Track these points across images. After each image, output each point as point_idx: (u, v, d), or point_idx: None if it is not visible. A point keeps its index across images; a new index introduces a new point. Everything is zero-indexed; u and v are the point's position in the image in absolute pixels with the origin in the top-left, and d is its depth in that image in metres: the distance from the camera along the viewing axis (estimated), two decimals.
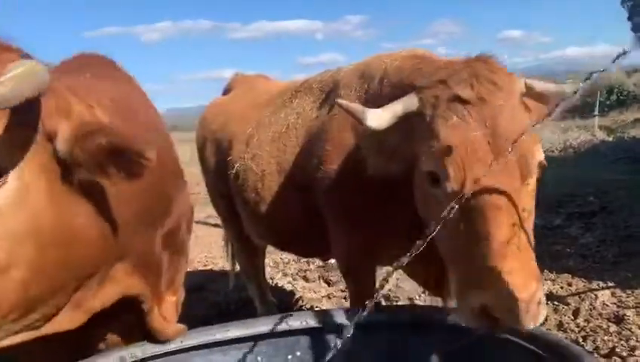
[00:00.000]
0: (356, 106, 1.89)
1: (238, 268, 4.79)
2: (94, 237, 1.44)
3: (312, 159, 2.76)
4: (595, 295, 4.39)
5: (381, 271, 2.97)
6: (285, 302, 4.84)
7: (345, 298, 4.82)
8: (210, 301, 4.99)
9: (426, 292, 4.78)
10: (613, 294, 4.43)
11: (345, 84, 2.81)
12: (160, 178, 1.81)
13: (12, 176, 1.22)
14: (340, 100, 2.01)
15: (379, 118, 1.81)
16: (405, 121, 1.81)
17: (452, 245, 1.72)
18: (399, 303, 4.48)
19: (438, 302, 4.44)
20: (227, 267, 5.11)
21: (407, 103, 1.83)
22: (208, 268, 6.16)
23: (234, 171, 3.45)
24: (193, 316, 4.40)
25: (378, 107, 1.93)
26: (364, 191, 2.48)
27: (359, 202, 2.56)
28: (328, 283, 5.25)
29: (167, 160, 1.96)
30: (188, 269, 6.11)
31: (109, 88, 1.80)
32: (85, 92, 1.54)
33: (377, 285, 1.83)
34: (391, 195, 2.35)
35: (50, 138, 1.30)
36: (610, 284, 4.65)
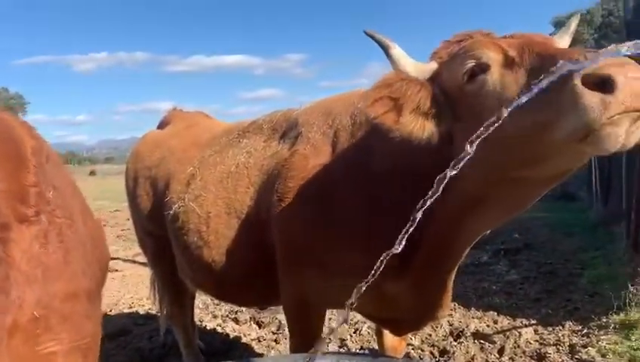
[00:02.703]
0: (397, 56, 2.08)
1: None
2: None
3: (270, 196, 2.80)
4: (519, 332, 4.62)
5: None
6: (214, 347, 4.77)
7: (276, 340, 4.76)
8: (134, 346, 4.82)
9: (358, 332, 4.77)
10: (535, 331, 4.71)
11: (305, 122, 2.91)
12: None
13: None
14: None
15: (415, 69, 2.05)
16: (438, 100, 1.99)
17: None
18: (330, 345, 4.39)
19: (370, 342, 4.45)
20: (154, 309, 4.89)
21: (429, 67, 2.07)
22: (134, 310, 5.91)
23: (172, 213, 3.41)
24: None
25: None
26: (326, 227, 2.45)
27: (319, 238, 2.53)
28: (259, 324, 5.19)
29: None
30: (112, 313, 5.81)
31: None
32: None
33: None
34: (352, 233, 2.35)
35: None
36: (532, 322, 4.92)
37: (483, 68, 1.84)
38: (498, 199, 2.04)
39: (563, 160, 1.76)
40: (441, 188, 1.59)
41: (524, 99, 1.52)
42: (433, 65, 2.07)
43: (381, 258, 1.62)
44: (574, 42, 2.29)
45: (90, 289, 1.76)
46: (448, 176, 1.58)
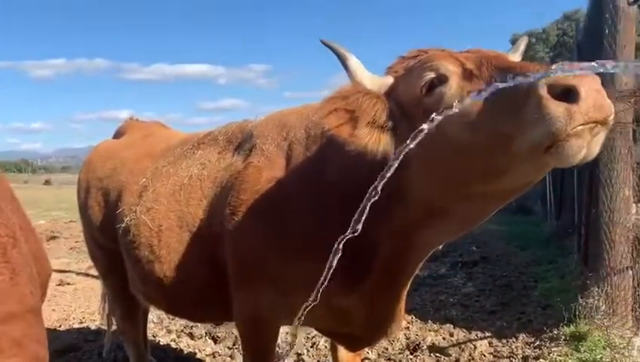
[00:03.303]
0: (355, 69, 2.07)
1: (114, 326, 4.43)
2: None
3: (222, 209, 2.75)
4: (474, 345, 4.69)
5: None
6: None
7: (231, 356, 4.70)
8: None
9: (315, 347, 4.73)
10: (490, 344, 4.79)
11: (259, 134, 2.88)
12: None
13: None
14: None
15: (371, 82, 2.05)
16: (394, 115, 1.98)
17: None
18: (287, 359, 4.34)
19: (327, 357, 4.42)
20: (105, 325, 4.72)
21: (384, 81, 2.06)
22: (85, 325, 5.72)
23: (123, 225, 3.32)
24: None
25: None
26: (279, 240, 2.42)
27: (272, 252, 2.49)
28: (215, 339, 5.11)
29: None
30: (62, 328, 5.62)
31: None
32: None
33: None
34: (305, 247, 2.31)
35: None
36: (487, 334, 4.97)
37: (441, 80, 1.84)
38: (456, 213, 2.03)
39: (524, 172, 1.75)
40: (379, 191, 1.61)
41: (459, 105, 1.52)
42: (389, 80, 2.07)
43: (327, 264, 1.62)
44: (531, 60, 2.35)
45: (38, 310, 1.69)
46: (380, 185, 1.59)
